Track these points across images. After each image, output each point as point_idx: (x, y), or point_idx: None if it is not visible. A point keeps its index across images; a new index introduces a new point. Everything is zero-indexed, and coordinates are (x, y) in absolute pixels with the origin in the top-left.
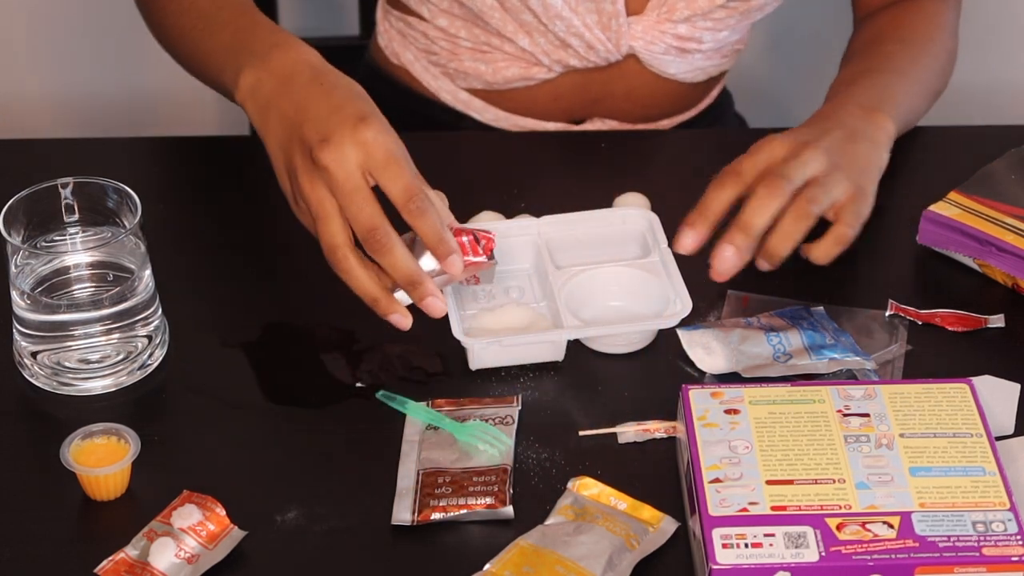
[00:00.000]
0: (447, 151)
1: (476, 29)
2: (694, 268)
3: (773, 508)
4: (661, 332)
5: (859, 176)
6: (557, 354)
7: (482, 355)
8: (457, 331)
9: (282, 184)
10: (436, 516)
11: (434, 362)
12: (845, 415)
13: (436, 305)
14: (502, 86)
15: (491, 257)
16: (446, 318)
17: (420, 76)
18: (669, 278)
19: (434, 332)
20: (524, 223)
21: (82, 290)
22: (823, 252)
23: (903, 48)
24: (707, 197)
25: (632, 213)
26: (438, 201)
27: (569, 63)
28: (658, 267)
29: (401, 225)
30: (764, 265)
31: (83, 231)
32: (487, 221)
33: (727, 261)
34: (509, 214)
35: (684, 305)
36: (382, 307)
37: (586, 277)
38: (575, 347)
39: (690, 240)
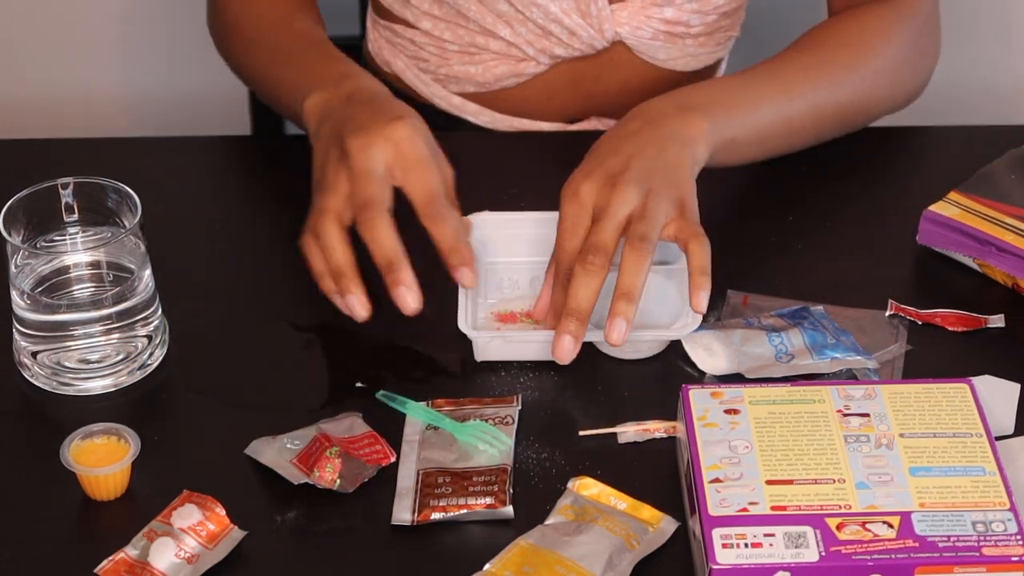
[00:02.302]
0: (446, 152)
1: (460, 30)
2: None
3: (773, 508)
4: (673, 341)
5: (674, 189)
6: None
7: (486, 348)
8: (463, 324)
9: (315, 179)
10: (436, 516)
11: (434, 362)
12: (845, 415)
13: (406, 299)
14: (493, 85)
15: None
16: (453, 315)
17: (412, 83)
18: (684, 287)
19: (435, 332)
20: (552, 215)
21: (82, 290)
22: (701, 262)
23: (800, 56)
24: (553, 299)
25: None
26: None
27: (555, 52)
28: (681, 275)
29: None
30: (621, 307)
31: (83, 231)
32: (497, 214)
33: (567, 351)
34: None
35: (695, 317)
36: (343, 285)
37: (608, 280)
38: (584, 348)
39: (569, 347)
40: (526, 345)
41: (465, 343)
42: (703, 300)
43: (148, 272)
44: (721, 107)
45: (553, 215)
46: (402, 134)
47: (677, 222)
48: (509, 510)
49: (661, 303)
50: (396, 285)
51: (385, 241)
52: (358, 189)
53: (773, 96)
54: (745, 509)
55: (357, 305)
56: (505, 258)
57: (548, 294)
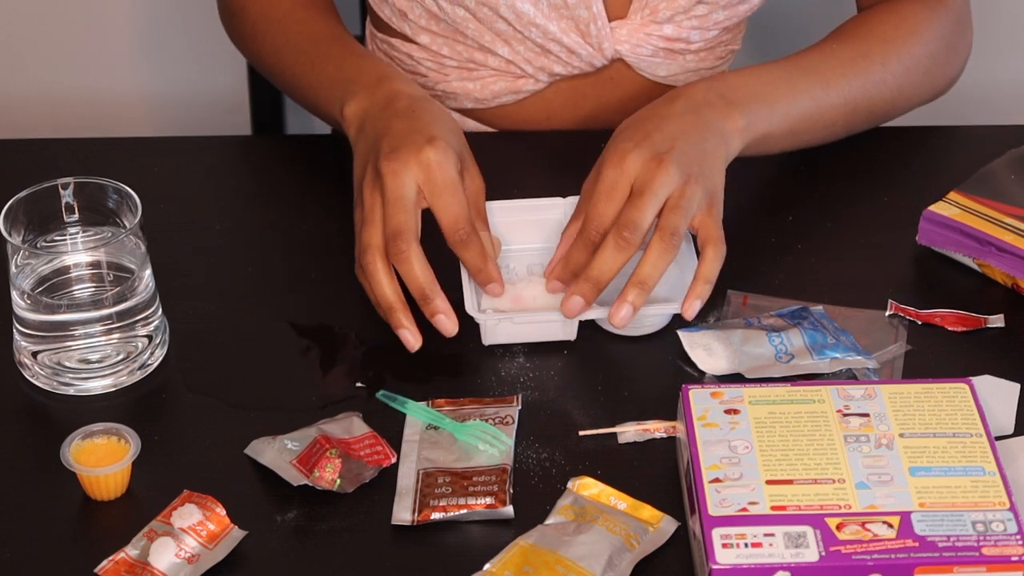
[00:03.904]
0: None
1: (459, 46)
2: None
3: (773, 508)
4: (672, 321)
5: (709, 180)
6: (570, 333)
7: (495, 331)
8: (471, 307)
9: (355, 195)
10: (436, 516)
11: (434, 362)
12: (845, 415)
13: (445, 324)
14: (491, 102)
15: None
16: (459, 310)
17: None
18: (688, 266)
19: (435, 331)
20: (551, 201)
21: (82, 290)
22: (709, 270)
23: (840, 49)
24: (571, 256)
25: None
26: (488, 243)
27: (554, 70)
28: (682, 254)
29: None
30: (633, 295)
31: (83, 231)
32: (493, 203)
33: (576, 309)
34: None
35: None
36: (394, 319)
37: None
38: (586, 332)
39: (578, 306)
40: (534, 326)
41: (464, 339)
42: (695, 308)
43: (148, 272)
44: (761, 102)
45: (551, 202)
46: (432, 158)
47: (703, 217)
48: (509, 510)
49: (663, 281)
50: (434, 315)
51: (416, 272)
52: (389, 216)
53: (811, 90)
54: (745, 509)
55: (409, 337)
56: (503, 246)
57: (563, 252)
